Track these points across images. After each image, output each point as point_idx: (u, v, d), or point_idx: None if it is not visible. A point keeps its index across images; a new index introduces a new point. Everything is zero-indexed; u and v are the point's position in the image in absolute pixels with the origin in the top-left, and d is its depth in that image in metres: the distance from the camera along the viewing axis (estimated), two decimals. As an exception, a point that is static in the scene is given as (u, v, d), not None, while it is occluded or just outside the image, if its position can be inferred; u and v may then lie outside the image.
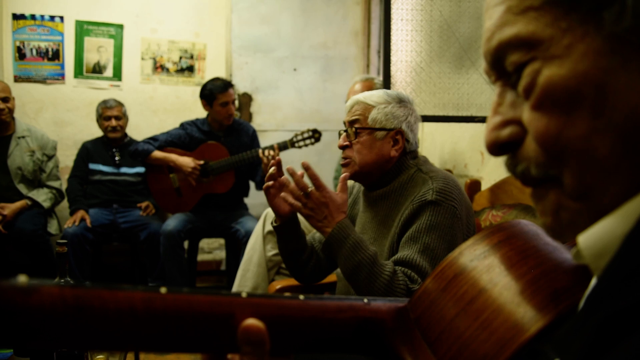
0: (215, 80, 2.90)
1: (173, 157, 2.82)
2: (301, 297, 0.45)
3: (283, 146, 2.75)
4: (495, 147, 0.40)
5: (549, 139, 0.36)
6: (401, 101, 1.37)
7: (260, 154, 2.69)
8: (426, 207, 1.22)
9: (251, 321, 0.42)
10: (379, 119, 1.33)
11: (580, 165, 0.35)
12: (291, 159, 3.62)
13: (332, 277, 1.91)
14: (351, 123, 1.37)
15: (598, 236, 0.36)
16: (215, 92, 2.83)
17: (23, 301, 0.34)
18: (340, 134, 1.41)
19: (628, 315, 0.30)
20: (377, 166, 1.34)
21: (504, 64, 0.39)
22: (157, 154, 2.82)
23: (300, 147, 2.78)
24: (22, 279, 0.35)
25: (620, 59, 0.33)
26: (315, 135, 2.77)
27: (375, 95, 1.36)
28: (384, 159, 1.34)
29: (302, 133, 2.78)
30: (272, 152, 2.68)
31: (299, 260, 1.41)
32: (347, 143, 1.37)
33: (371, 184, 1.39)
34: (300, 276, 1.46)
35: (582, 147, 0.35)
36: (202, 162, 2.84)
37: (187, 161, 2.81)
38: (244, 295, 0.43)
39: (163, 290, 0.39)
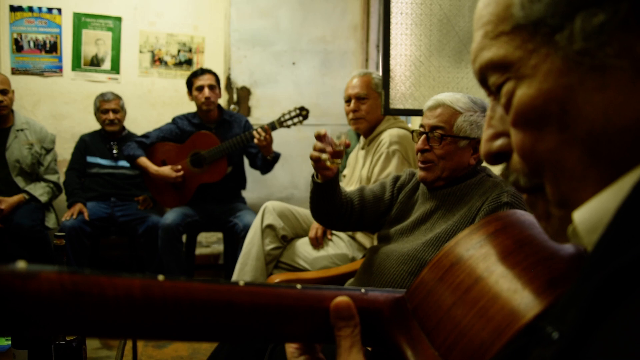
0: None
1: (153, 168, 2.83)
2: (298, 286, 0.45)
3: (272, 127, 2.73)
4: (489, 158, 0.44)
5: (526, 153, 0.39)
6: (484, 110, 1.35)
7: (256, 135, 2.68)
8: (501, 208, 1.23)
9: (339, 299, 0.46)
10: (464, 128, 1.31)
11: (555, 175, 0.38)
12: (285, 140, 3.62)
13: (347, 268, 1.87)
14: (433, 128, 1.33)
15: (592, 210, 0.37)
16: (191, 77, 2.90)
17: (21, 286, 0.34)
18: (414, 135, 1.39)
19: (622, 278, 0.30)
20: (452, 172, 1.34)
21: (488, 84, 0.42)
22: (141, 160, 2.83)
23: (288, 126, 2.75)
24: (21, 264, 0.34)
25: (578, 77, 0.36)
26: (302, 113, 2.73)
27: (462, 102, 1.33)
28: (462, 166, 1.34)
29: (289, 112, 2.74)
30: (262, 133, 2.67)
31: (334, 214, 1.45)
32: (427, 147, 1.34)
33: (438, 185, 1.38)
34: (333, 224, 1.50)
35: (554, 159, 0.38)
36: (179, 167, 2.85)
37: (166, 171, 2.82)
38: (241, 284, 0.43)
39: (161, 277, 0.39)
